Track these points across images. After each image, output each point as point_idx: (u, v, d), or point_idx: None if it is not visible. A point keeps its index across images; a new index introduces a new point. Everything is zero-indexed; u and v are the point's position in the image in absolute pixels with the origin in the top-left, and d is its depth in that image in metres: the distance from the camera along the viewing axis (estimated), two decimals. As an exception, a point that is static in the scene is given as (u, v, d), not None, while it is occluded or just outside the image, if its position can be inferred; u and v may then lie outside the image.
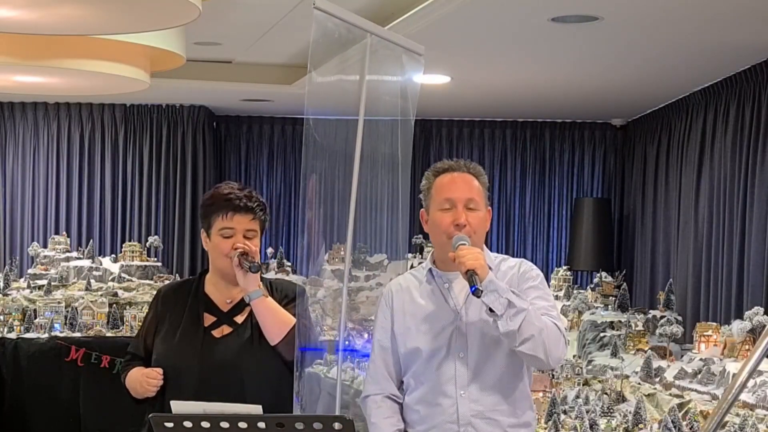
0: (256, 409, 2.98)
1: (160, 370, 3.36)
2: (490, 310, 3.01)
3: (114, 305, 7.82)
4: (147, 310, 3.65)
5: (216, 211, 3.41)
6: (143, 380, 3.36)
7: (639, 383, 5.89)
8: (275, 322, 3.36)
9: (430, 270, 3.27)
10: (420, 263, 3.50)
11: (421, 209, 3.31)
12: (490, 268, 3.15)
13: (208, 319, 3.43)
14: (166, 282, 7.99)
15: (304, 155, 3.51)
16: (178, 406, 3.06)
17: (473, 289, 2.97)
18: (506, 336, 3.03)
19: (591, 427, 5.01)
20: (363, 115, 3.70)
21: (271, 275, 8.29)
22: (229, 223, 3.39)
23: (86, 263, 8.30)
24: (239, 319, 3.43)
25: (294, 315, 3.37)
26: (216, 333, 3.41)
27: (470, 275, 2.99)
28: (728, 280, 7.18)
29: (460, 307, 3.19)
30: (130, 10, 4.88)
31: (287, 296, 3.47)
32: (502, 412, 3.17)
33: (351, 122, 3.67)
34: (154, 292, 8.13)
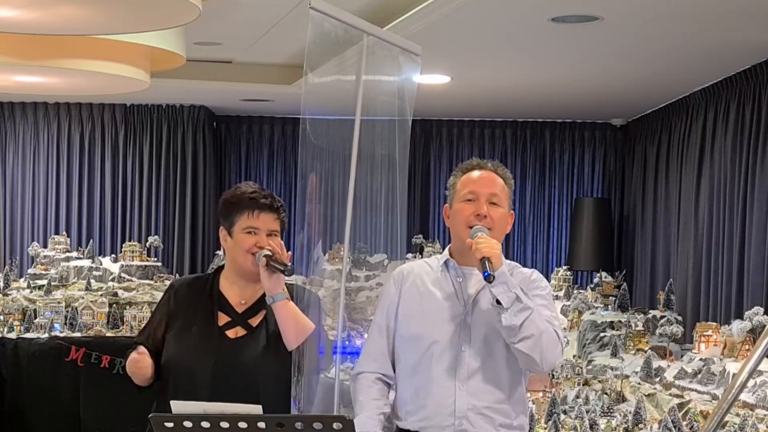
0: (256, 409, 2.97)
1: (143, 351, 3.33)
2: (497, 302, 3.04)
3: (114, 305, 7.82)
4: (159, 302, 3.60)
5: (241, 209, 3.40)
6: (130, 365, 3.34)
7: (639, 383, 5.89)
8: (296, 326, 3.33)
9: (446, 261, 3.29)
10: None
11: (445, 205, 3.37)
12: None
13: (222, 318, 3.40)
14: (165, 281, 7.99)
15: (300, 156, 3.51)
16: (178, 406, 3.05)
17: (486, 274, 3.01)
18: (507, 330, 3.06)
19: (591, 427, 5.01)
20: (360, 116, 3.70)
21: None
22: (255, 221, 3.39)
23: (86, 263, 8.30)
24: (254, 321, 3.40)
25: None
26: (230, 334, 3.38)
27: (484, 262, 3.03)
28: (728, 280, 7.17)
29: (469, 302, 3.21)
30: (130, 10, 4.88)
31: (301, 302, 3.43)
32: (498, 410, 3.18)
33: (348, 122, 3.67)
34: (154, 292, 8.13)
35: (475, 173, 3.29)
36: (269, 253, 3.34)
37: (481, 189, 3.24)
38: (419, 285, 3.29)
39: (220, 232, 3.51)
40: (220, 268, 3.54)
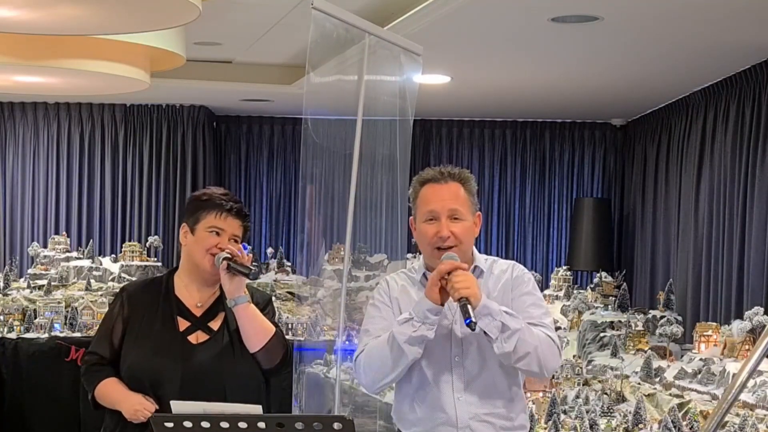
0: (256, 409, 2.98)
1: (155, 405, 3.29)
2: (485, 332, 3.03)
3: (114, 305, 7.81)
4: (110, 307, 3.52)
5: (209, 208, 3.37)
6: (139, 410, 3.29)
7: (639, 383, 5.89)
8: (258, 329, 3.33)
9: (424, 274, 3.26)
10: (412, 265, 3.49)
11: (410, 217, 3.31)
12: (480, 269, 3.21)
13: (182, 323, 3.37)
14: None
15: (302, 156, 3.51)
16: (178, 406, 3.06)
17: (467, 321, 2.96)
18: (502, 356, 3.07)
19: (591, 427, 5.01)
20: (362, 116, 3.70)
21: (270, 275, 8.31)
22: (222, 223, 3.36)
23: (86, 263, 8.30)
24: (214, 325, 3.38)
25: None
26: (192, 339, 3.36)
27: (463, 305, 2.97)
28: (728, 280, 7.17)
29: (454, 311, 3.17)
30: (130, 10, 4.88)
31: (258, 303, 3.42)
32: (498, 415, 3.18)
33: (350, 122, 3.67)
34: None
35: (432, 188, 3.19)
36: (229, 255, 3.31)
37: (440, 207, 3.15)
38: (406, 298, 3.24)
39: (181, 228, 3.45)
40: (173, 270, 3.50)
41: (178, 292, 3.42)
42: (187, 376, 3.29)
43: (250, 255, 3.43)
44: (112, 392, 3.39)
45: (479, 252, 3.30)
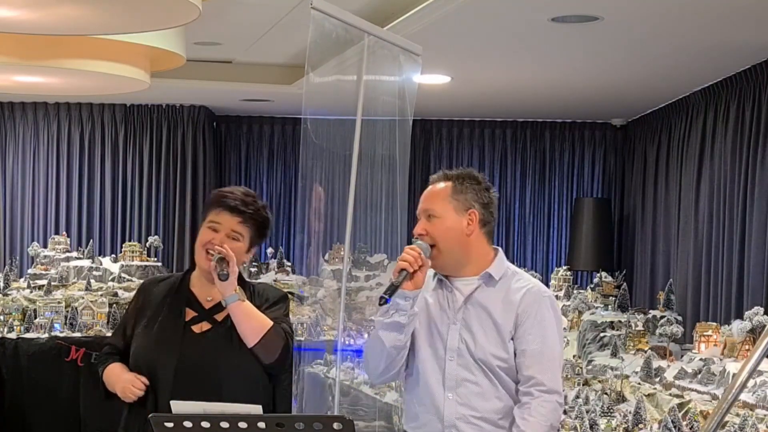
0: (256, 409, 2.98)
1: (145, 381, 3.35)
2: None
3: (114, 305, 7.82)
4: (130, 301, 3.65)
5: (212, 204, 3.46)
6: (127, 386, 3.35)
7: (639, 383, 5.89)
8: (251, 325, 3.35)
9: (436, 274, 3.30)
10: None
11: None
12: (492, 275, 3.20)
13: (189, 314, 3.44)
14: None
15: (302, 156, 3.51)
16: (178, 406, 3.06)
17: (387, 300, 3.06)
18: None
19: (591, 427, 5.01)
20: (361, 116, 3.70)
21: (270, 275, 8.30)
22: (217, 218, 3.41)
23: (86, 263, 8.30)
24: (219, 317, 3.43)
25: (273, 319, 3.38)
26: (195, 329, 3.41)
27: (396, 285, 3.06)
28: (728, 280, 7.17)
29: (457, 312, 3.21)
30: (130, 10, 4.89)
31: (268, 300, 3.46)
32: (487, 420, 3.17)
33: (349, 122, 3.68)
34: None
35: (425, 191, 3.29)
36: (221, 256, 3.35)
37: (420, 208, 3.26)
38: (420, 300, 3.26)
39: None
40: (192, 267, 3.57)
41: (192, 286, 3.50)
42: (183, 363, 3.33)
43: (249, 255, 3.47)
44: (111, 375, 3.48)
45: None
